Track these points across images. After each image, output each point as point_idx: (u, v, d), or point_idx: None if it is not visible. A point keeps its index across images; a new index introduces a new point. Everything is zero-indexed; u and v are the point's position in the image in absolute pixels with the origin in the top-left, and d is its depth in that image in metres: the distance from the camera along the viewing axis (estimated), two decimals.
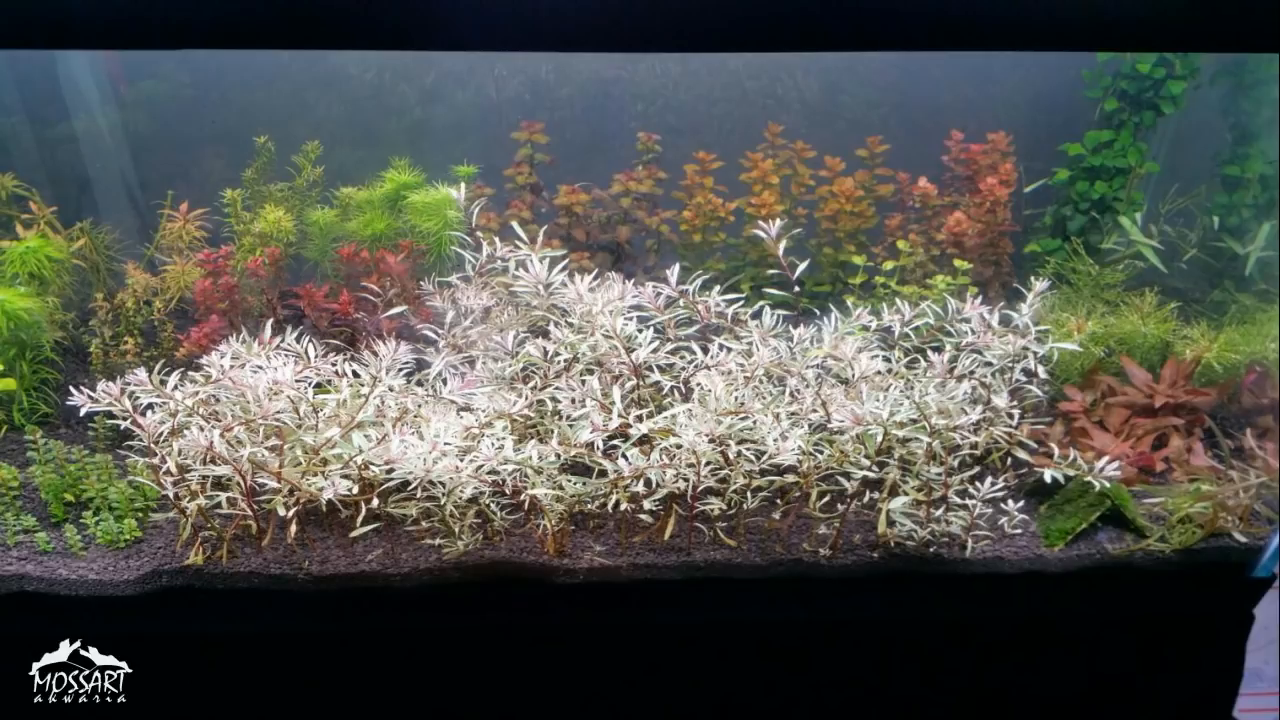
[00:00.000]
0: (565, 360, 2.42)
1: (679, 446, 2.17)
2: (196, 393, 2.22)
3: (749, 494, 2.27)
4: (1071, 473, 2.32)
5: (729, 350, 2.40)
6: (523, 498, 2.21)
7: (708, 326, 2.56)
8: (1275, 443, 2.56)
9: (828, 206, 3.21)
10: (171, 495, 2.20)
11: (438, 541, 2.31)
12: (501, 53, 3.27)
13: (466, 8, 1.94)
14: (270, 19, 1.94)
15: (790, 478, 2.30)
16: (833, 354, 2.39)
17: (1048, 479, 2.34)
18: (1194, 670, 2.54)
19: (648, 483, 2.19)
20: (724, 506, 2.31)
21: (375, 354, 2.30)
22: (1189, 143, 3.39)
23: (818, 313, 2.59)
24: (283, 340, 2.35)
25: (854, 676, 2.52)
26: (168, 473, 2.17)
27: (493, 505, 2.28)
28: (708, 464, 2.19)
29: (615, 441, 2.26)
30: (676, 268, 2.53)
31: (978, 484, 2.28)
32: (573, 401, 2.31)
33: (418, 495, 2.19)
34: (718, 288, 2.59)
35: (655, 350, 2.39)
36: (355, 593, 2.30)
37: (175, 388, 2.19)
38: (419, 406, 2.30)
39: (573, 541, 2.37)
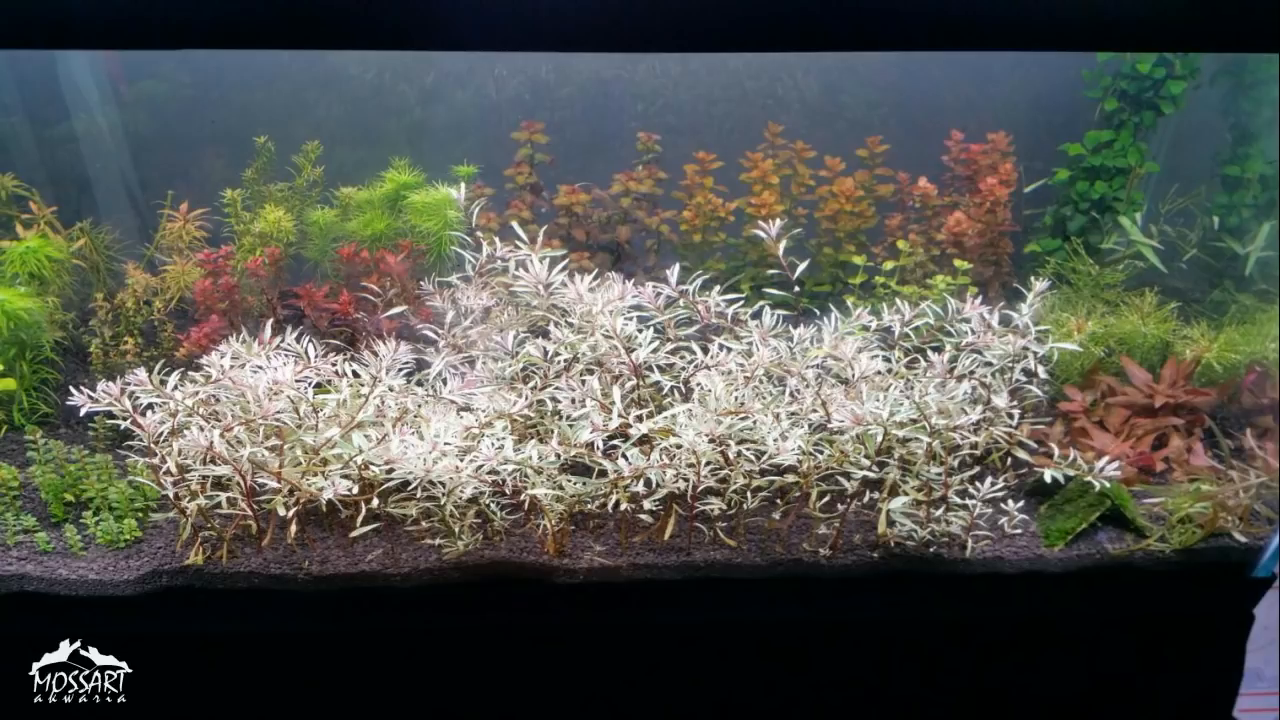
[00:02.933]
0: (565, 360, 2.42)
1: (679, 446, 2.17)
2: (196, 393, 2.22)
3: (749, 494, 2.27)
4: (1071, 473, 2.32)
5: (729, 350, 2.40)
6: (523, 498, 2.21)
7: (708, 326, 2.56)
8: (1275, 443, 2.56)
9: (828, 206, 3.21)
10: (171, 495, 2.20)
11: (438, 541, 2.31)
12: (501, 53, 3.27)
13: (466, 8, 1.94)
14: (270, 19, 1.94)
15: (790, 478, 2.30)
16: (833, 354, 2.38)
17: (1048, 479, 2.35)
18: (1194, 670, 2.54)
19: (648, 483, 2.19)
20: (724, 506, 2.31)
21: (375, 354, 2.30)
22: (1189, 143, 3.38)
23: (818, 313, 2.59)
24: (283, 340, 2.35)
25: (854, 676, 2.52)
26: (168, 473, 2.17)
27: (493, 505, 2.28)
28: (708, 464, 2.19)
29: (615, 441, 2.26)
30: (676, 268, 2.53)
31: (978, 484, 2.28)
32: (573, 401, 2.31)
33: (418, 495, 2.20)
34: (718, 288, 2.59)
35: (655, 350, 2.39)
36: (355, 593, 2.30)
37: (175, 388, 2.19)
38: (419, 406, 2.30)
39: (573, 541, 2.37)
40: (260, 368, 2.25)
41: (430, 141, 3.38)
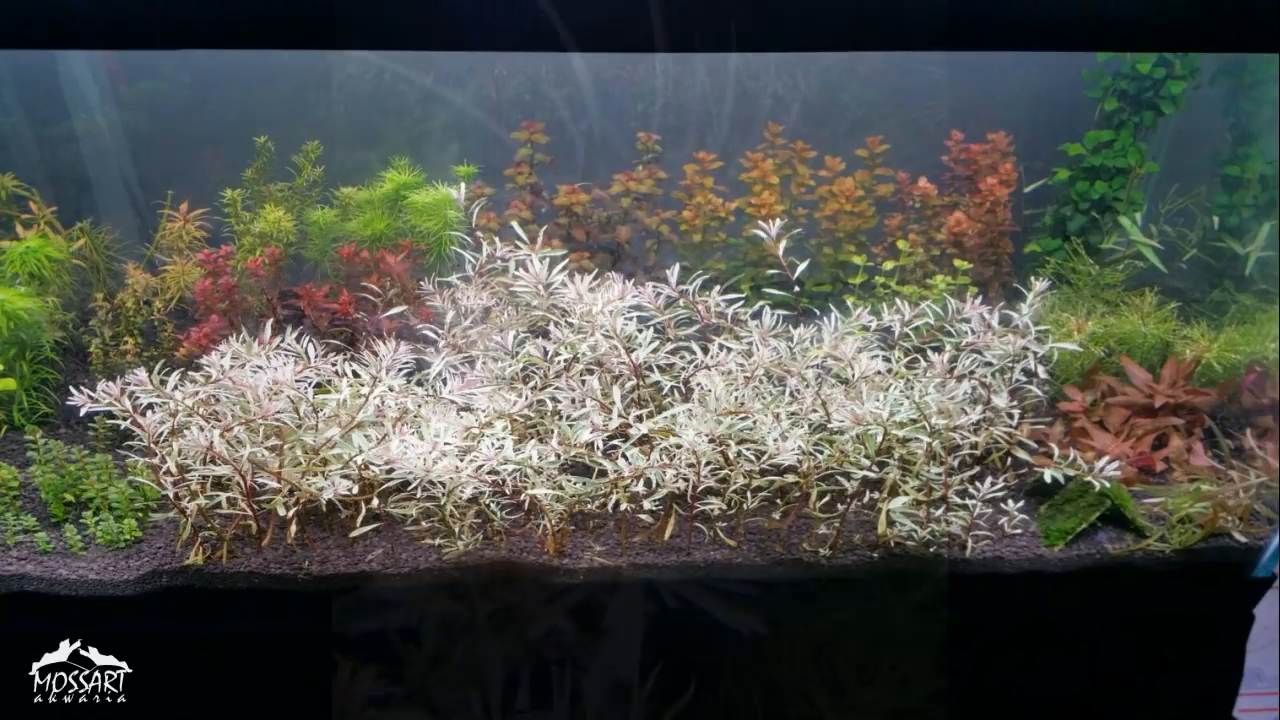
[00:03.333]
0: (565, 360, 2.42)
1: (679, 446, 2.17)
2: (196, 393, 2.22)
3: (749, 494, 2.27)
4: (1071, 473, 2.32)
5: (729, 350, 2.40)
6: (523, 498, 2.21)
7: (708, 326, 2.56)
8: (1275, 443, 2.56)
9: (828, 206, 3.21)
10: (171, 495, 2.20)
11: (438, 541, 2.31)
12: (501, 53, 3.27)
13: (466, 8, 1.94)
14: (270, 19, 1.94)
15: (790, 478, 2.29)
16: (833, 354, 2.38)
17: (1048, 479, 2.35)
18: (1194, 670, 2.53)
19: (648, 483, 2.19)
20: (724, 506, 2.31)
21: (375, 354, 2.30)
22: (1189, 143, 3.39)
23: (818, 313, 2.59)
24: (283, 340, 2.35)
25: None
26: (168, 473, 2.17)
27: (493, 505, 2.28)
28: (708, 464, 2.19)
29: (615, 441, 2.26)
30: (676, 268, 2.53)
31: (978, 484, 2.28)
32: (573, 401, 2.31)
33: (418, 495, 2.19)
34: (718, 288, 2.59)
35: (655, 350, 2.39)
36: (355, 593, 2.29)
37: (175, 388, 2.19)
38: (419, 406, 2.30)
39: (573, 541, 2.37)
40: (260, 368, 2.25)
41: (430, 141, 3.38)
